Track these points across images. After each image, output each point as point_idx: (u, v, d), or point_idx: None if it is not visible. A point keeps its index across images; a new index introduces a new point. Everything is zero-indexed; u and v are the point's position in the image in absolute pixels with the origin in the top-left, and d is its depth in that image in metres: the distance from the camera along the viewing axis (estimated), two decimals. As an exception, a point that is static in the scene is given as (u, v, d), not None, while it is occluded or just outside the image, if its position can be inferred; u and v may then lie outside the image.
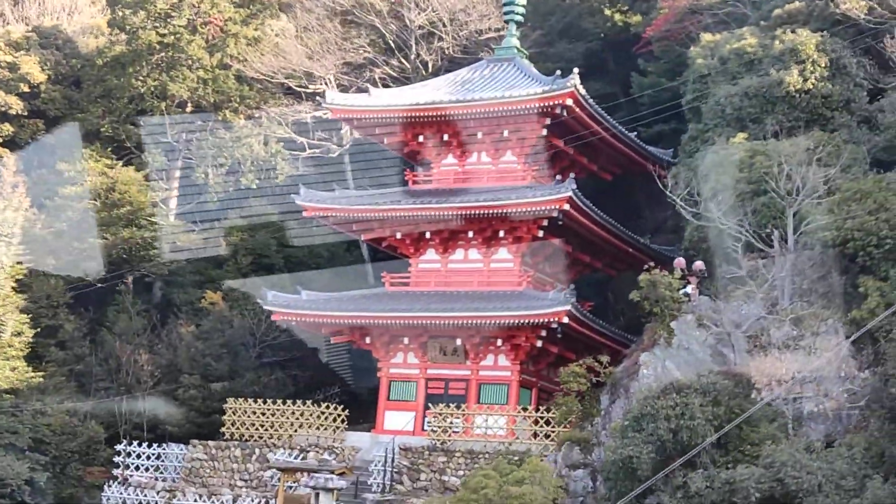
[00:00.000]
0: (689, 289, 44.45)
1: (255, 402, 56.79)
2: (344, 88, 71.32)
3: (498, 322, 53.77)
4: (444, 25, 72.96)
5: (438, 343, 57.24)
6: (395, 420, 57.20)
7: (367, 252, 70.34)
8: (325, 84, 72.14)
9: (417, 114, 58.61)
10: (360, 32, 74.70)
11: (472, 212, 55.65)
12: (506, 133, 58.44)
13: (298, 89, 71.55)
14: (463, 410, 53.01)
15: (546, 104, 55.53)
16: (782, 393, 37.47)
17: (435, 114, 58.22)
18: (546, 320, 52.71)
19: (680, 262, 45.11)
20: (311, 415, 55.76)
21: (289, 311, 58.05)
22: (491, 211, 55.31)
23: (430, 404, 55.34)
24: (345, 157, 73.25)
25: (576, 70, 55.45)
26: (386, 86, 71.37)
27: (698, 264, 45.32)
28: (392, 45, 74.56)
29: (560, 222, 54.65)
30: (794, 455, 35.08)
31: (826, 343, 39.02)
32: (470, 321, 54.36)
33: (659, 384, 39.50)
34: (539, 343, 54.32)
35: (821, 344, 39.03)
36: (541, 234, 56.00)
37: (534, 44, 79.12)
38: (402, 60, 75.11)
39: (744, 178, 45.59)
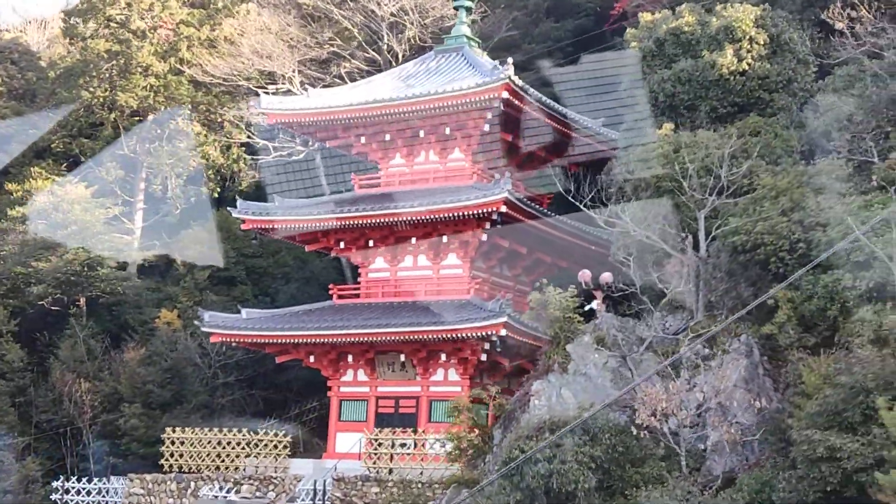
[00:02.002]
0: (594, 304, 40.01)
1: (193, 431, 53.51)
2: (310, 85, 67.76)
3: (433, 337, 49.92)
4: (406, 14, 68.89)
5: (386, 359, 53.65)
6: (347, 443, 53.59)
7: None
8: (289, 83, 68.65)
9: (354, 114, 54.81)
10: (323, 26, 70.89)
11: (408, 218, 51.91)
12: (448, 130, 54.41)
13: (258, 90, 67.78)
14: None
15: (482, 98, 51.40)
16: (670, 425, 33.08)
17: (371, 114, 54.38)
18: (484, 333, 48.68)
19: (584, 274, 40.68)
20: (247, 443, 52.37)
21: (227, 332, 54.63)
22: (424, 217, 51.48)
23: (379, 425, 51.93)
24: (315, 157, 69.60)
25: (510, 60, 51.43)
26: (353, 80, 67.67)
27: (605, 276, 40.83)
28: (359, 37, 70.71)
29: (498, 225, 50.63)
30: (667, 503, 30.70)
31: (736, 363, 34.52)
32: (407, 336, 50.57)
33: (549, 416, 35.25)
34: (484, 357, 50.35)
35: (730, 364, 34.55)
36: (485, 237, 52.01)
37: (515, 25, 74.95)
38: (374, 53, 71.32)
39: (667, 174, 41.07)
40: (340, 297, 56.36)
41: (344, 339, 52.24)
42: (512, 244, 53.67)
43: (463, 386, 51.66)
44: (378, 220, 52.58)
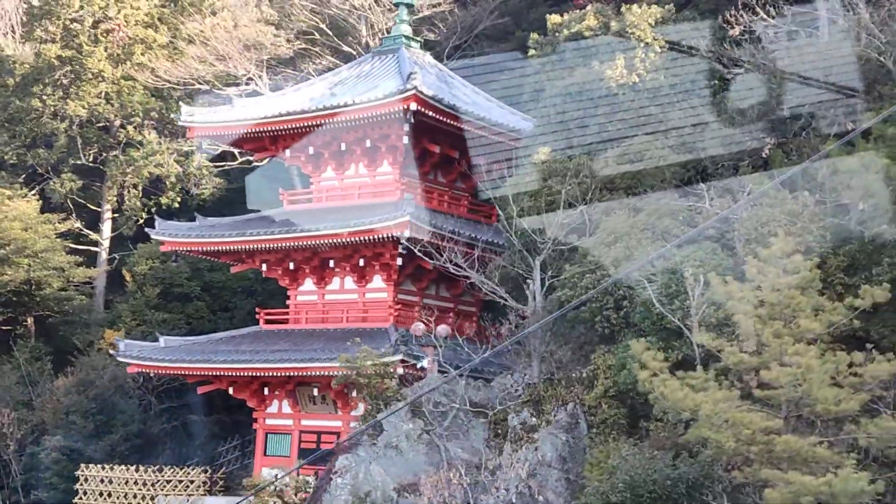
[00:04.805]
0: (425, 362, 35.45)
1: (104, 468, 50.81)
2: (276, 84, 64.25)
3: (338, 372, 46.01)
4: (369, 8, 64.59)
5: (307, 391, 50.00)
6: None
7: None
8: (257, 83, 64.97)
9: (272, 127, 51.04)
10: (290, 23, 66.99)
11: (313, 241, 48.12)
12: (370, 142, 50.30)
13: (217, 91, 64.13)
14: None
15: (394, 109, 47.08)
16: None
17: (289, 126, 50.56)
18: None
19: (417, 327, 36.17)
20: (153, 483, 49.37)
21: (144, 363, 51.44)
22: (332, 240, 47.63)
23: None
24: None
25: (417, 69, 46.83)
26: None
27: (442, 329, 36.21)
28: (329, 31, 66.67)
29: (405, 251, 46.52)
30: None
31: (553, 439, 30.05)
32: (302, 372, 47.05)
33: (353, 497, 31.12)
34: (398, 393, 46.27)
35: (547, 439, 30.09)
36: (400, 261, 47.89)
37: (509, 9, 70.10)
38: (349, 48, 67.17)
39: (532, 208, 36.40)
40: (268, 322, 52.86)
41: (252, 373, 48.76)
42: (439, 264, 49.34)
43: (383, 422, 47.77)
44: (292, 244, 48.97)
